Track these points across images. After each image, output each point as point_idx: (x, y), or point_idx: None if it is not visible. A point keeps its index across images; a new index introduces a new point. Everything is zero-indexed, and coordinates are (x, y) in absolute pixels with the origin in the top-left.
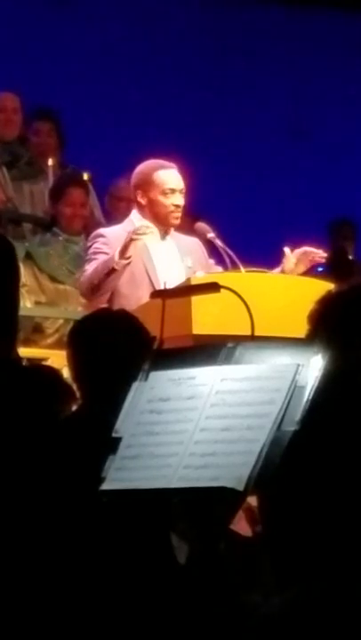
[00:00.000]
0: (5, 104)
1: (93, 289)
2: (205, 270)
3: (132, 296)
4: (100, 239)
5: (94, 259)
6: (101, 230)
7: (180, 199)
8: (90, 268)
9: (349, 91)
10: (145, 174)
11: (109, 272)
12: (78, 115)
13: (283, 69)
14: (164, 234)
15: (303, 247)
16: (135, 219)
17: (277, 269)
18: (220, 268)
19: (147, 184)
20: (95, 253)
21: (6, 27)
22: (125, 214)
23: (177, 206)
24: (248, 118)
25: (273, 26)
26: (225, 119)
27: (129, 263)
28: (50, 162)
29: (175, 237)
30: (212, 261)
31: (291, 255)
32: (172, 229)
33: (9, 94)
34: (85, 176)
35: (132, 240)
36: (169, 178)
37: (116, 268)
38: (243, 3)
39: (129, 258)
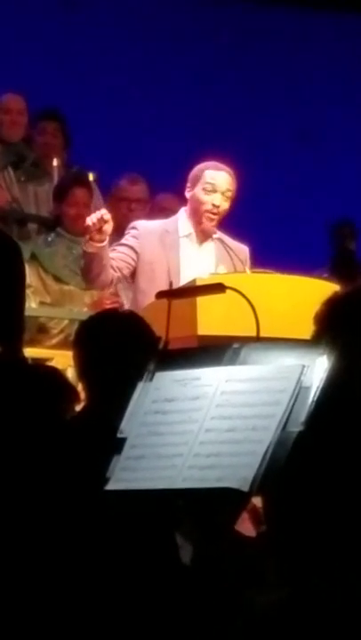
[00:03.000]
0: (10, 105)
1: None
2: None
3: (149, 292)
4: (132, 231)
5: (114, 249)
6: (136, 222)
7: (219, 200)
8: None
9: (351, 92)
10: (197, 170)
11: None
12: (84, 115)
13: (285, 72)
14: (203, 239)
15: None
16: (181, 215)
17: None
18: None
19: (194, 179)
20: (119, 244)
21: (12, 28)
22: (126, 215)
23: (214, 206)
24: (251, 122)
25: (276, 28)
26: (228, 122)
27: (102, 247)
28: (55, 162)
29: (218, 245)
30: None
31: None
32: (216, 236)
33: (14, 95)
34: (91, 176)
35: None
36: (214, 176)
37: (87, 250)
38: (245, 5)
39: (102, 242)
